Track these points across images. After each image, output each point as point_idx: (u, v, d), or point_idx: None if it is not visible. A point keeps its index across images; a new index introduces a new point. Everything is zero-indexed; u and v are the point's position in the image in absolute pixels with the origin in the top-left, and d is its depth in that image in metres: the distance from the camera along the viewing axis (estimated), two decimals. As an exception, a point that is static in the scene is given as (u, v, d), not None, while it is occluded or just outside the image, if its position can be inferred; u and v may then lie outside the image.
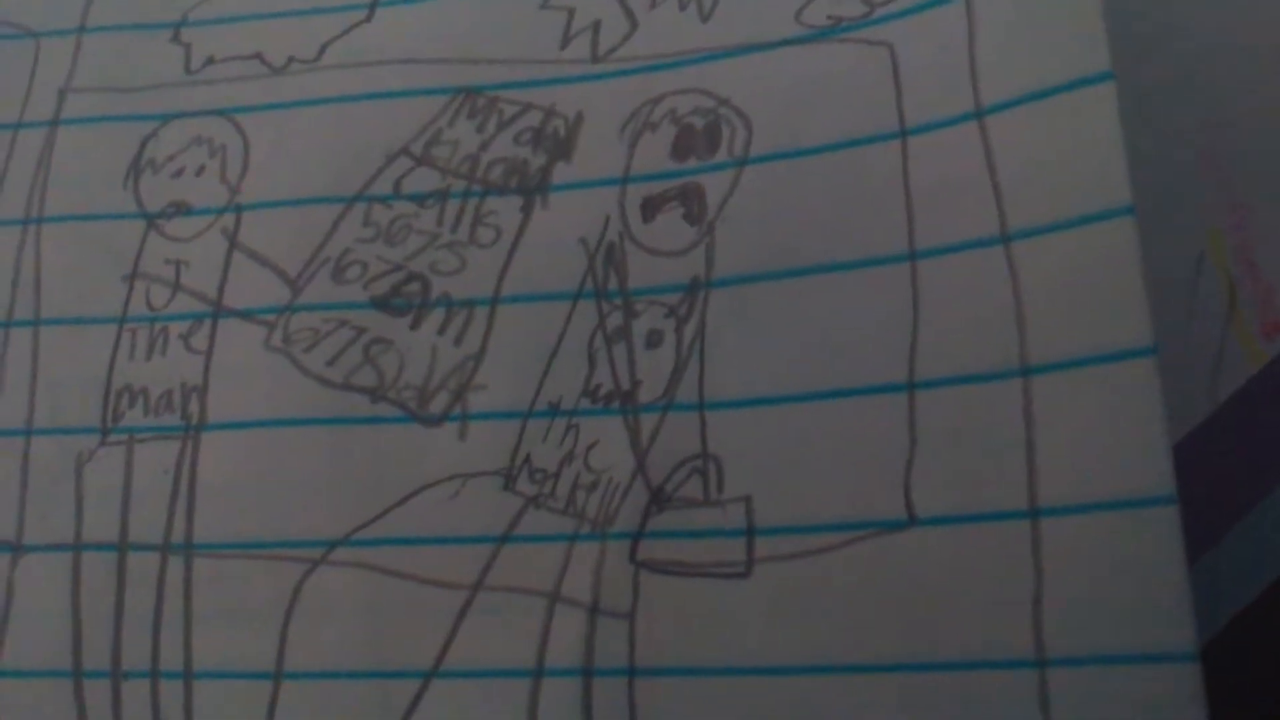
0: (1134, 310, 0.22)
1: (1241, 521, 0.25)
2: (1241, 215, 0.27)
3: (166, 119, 0.30)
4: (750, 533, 0.24)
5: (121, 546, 0.26)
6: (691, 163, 0.26)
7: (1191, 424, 0.26)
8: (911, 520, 0.23)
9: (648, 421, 0.25)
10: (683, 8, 0.28)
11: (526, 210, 0.27)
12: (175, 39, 0.30)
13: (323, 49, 0.29)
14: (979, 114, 0.25)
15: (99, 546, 0.26)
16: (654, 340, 0.25)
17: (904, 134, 0.25)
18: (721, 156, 0.26)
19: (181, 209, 0.29)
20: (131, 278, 0.28)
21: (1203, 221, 0.28)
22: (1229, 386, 0.26)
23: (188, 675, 0.25)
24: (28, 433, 0.27)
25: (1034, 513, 0.22)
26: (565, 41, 0.28)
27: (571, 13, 0.28)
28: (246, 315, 0.27)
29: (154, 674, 0.25)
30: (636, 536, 0.24)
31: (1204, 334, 0.27)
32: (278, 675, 0.24)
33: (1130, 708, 0.21)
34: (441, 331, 0.26)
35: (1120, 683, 0.21)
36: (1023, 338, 0.23)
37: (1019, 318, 0.23)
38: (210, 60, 0.30)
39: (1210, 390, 0.27)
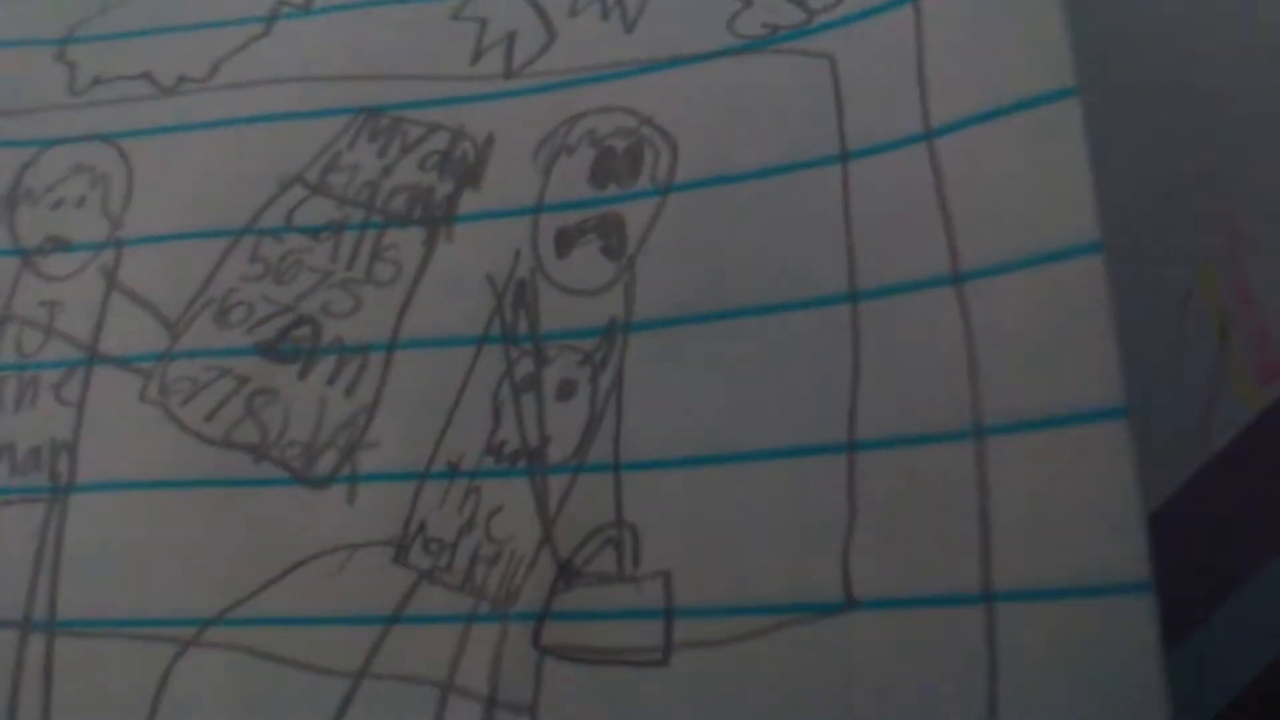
0: (1103, 364, 0.19)
1: (1235, 595, 0.22)
2: (1236, 243, 0.24)
3: (48, 145, 0.27)
4: (668, 614, 0.21)
5: (-23, 623, 0.23)
6: (611, 190, 0.24)
7: (1179, 480, 0.23)
8: (850, 602, 0.20)
9: (557, 484, 0.22)
10: (605, 16, 0.25)
11: (430, 243, 0.24)
12: (60, 57, 0.28)
13: (216, 67, 0.27)
14: (928, 135, 0.22)
15: (-48, 624, 0.23)
16: (566, 391, 0.23)
17: (845, 157, 0.22)
18: (644, 183, 0.23)
19: (59, 244, 0.26)
20: (2, 321, 0.26)
21: (1192, 250, 0.25)
22: (1222, 437, 0.23)
23: (45, 771, 0.22)
24: (-118, 494, 0.25)
25: (988, 597, 0.19)
26: (477, 55, 0.25)
27: (484, 23, 0.26)
28: (122, 363, 0.25)
29: (8, 768, 0.22)
30: (541, 617, 0.21)
31: (1193, 378, 0.24)
32: (143, 772, 0.22)
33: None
34: (332, 381, 0.24)
35: (1086, 797, 0.18)
36: (976, 393, 0.20)
37: (971, 370, 0.20)
38: (96, 80, 0.27)
39: (1201, 441, 0.24)
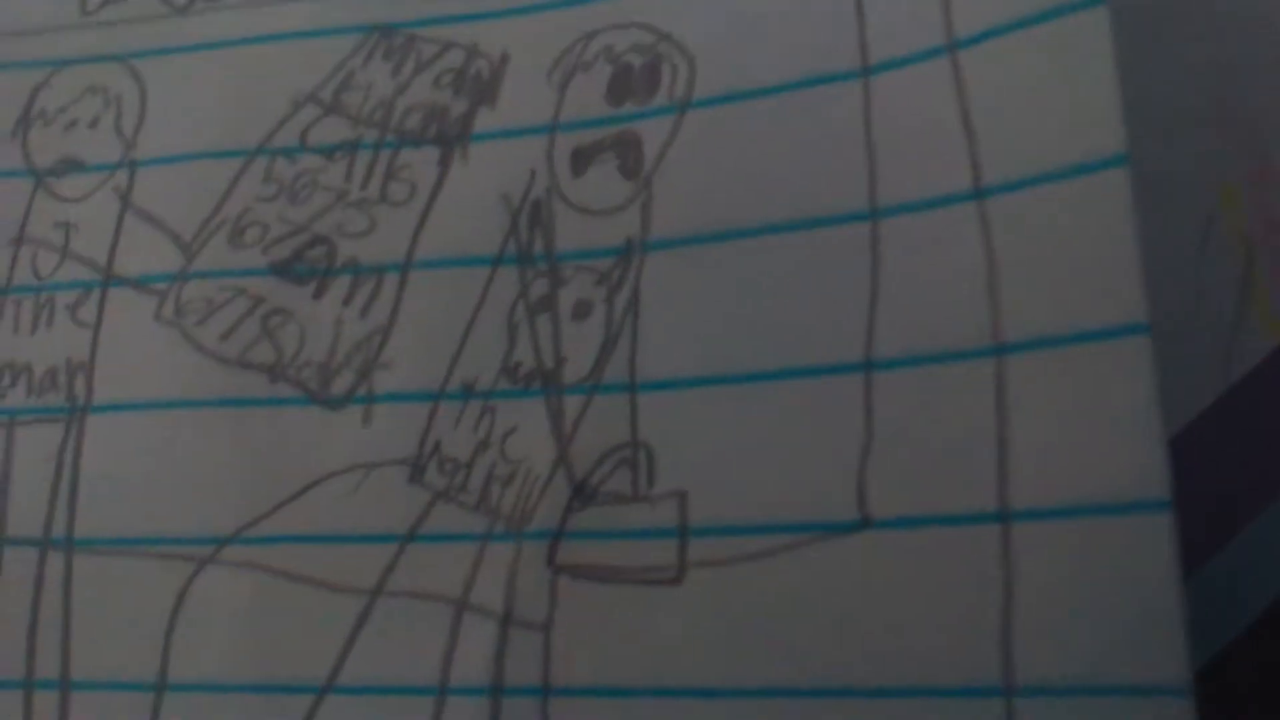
0: (1126, 280, 0.19)
1: (1254, 522, 0.22)
2: (1262, 167, 0.24)
3: (60, 65, 0.27)
4: (683, 533, 0.21)
5: (-2, 539, 0.24)
6: (628, 108, 0.23)
7: (1199, 408, 0.23)
8: (865, 522, 0.20)
9: (572, 405, 0.22)
10: (623, -69, 0.24)
11: (444, 163, 0.24)
12: (70, -24, 0.27)
13: (228, -15, 0.26)
14: (951, 47, 0.21)
15: (-28, 540, 0.24)
16: (582, 311, 0.22)
17: (866, 72, 0.22)
18: (661, 100, 0.23)
19: (73, 165, 0.26)
20: (17, 242, 0.25)
21: (1216, 174, 0.24)
22: (1243, 366, 0.23)
23: (64, 685, 0.22)
24: (-100, 413, 0.25)
25: (1005, 516, 0.19)
26: (492, -29, 0.25)
27: (500, -61, 0.25)
28: (138, 284, 0.25)
29: (28, 683, 0.23)
30: (556, 536, 0.21)
31: (1216, 305, 0.23)
32: (160, 687, 0.22)
33: (1111, 747, 0.18)
34: (347, 301, 0.23)
35: (1101, 715, 0.18)
36: (996, 311, 0.20)
37: (992, 287, 0.20)
38: (108, 0, 0.27)
39: (1223, 370, 0.23)
